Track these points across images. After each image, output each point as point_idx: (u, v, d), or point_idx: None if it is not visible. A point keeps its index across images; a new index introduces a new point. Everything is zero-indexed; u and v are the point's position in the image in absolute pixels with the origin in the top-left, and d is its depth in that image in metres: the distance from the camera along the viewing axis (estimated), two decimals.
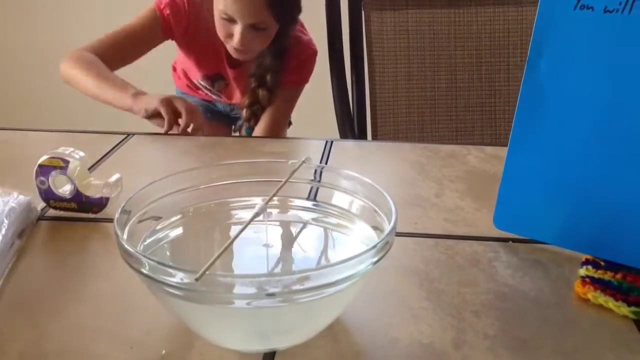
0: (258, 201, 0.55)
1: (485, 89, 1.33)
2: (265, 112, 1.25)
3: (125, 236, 0.49)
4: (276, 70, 1.22)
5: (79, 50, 1.16)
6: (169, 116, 1.01)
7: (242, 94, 1.30)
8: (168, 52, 1.44)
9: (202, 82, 1.34)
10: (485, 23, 1.32)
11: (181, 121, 1.02)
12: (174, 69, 1.45)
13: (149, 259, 0.43)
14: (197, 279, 0.40)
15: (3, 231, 0.62)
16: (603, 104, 0.59)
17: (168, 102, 1.03)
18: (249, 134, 1.26)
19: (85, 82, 1.12)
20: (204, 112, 1.43)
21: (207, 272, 0.40)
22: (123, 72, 1.17)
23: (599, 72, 0.58)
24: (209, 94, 1.37)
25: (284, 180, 0.55)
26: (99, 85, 1.10)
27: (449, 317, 0.53)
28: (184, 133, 1.02)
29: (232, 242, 0.44)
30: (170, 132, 1.02)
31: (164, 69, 1.48)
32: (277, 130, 1.28)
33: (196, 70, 1.32)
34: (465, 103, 1.33)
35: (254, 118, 1.24)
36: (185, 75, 1.39)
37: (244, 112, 1.25)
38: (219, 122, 1.46)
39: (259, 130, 1.25)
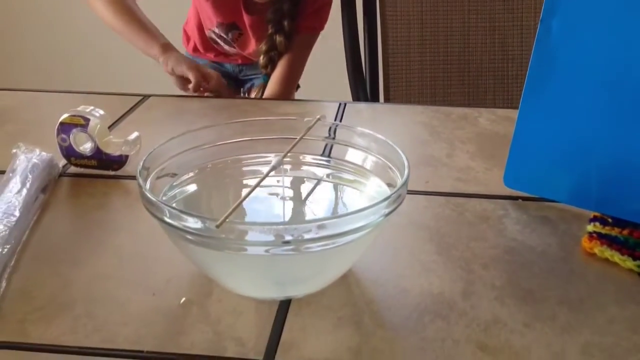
0: (273, 158, 0.57)
1: (498, 53, 1.33)
2: (282, 58, 1.25)
3: (148, 187, 0.51)
4: (293, 16, 1.22)
5: None
6: (197, 80, 1.11)
7: (257, 43, 1.31)
8: (179, 15, 1.44)
9: (216, 31, 1.34)
10: None
11: (206, 85, 1.12)
12: (185, 31, 1.45)
13: (172, 207, 0.45)
14: (217, 226, 0.42)
15: (27, 185, 0.64)
16: (614, 64, 0.59)
17: (198, 68, 1.12)
18: (266, 81, 1.26)
19: (112, 19, 1.14)
20: None
21: (227, 220, 0.42)
22: None
23: (611, 32, 0.59)
24: (223, 44, 1.37)
25: (298, 137, 0.56)
26: (127, 25, 1.14)
27: (458, 270, 0.55)
28: (201, 92, 1.09)
29: (251, 192, 0.46)
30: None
31: (174, 32, 1.49)
32: (294, 78, 1.29)
33: (213, 16, 1.31)
34: (478, 67, 1.33)
35: (271, 64, 1.25)
36: (199, 28, 1.38)
37: (261, 59, 1.25)
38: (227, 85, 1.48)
39: (275, 77, 1.25)
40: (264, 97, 1.25)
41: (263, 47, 1.25)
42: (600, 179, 0.62)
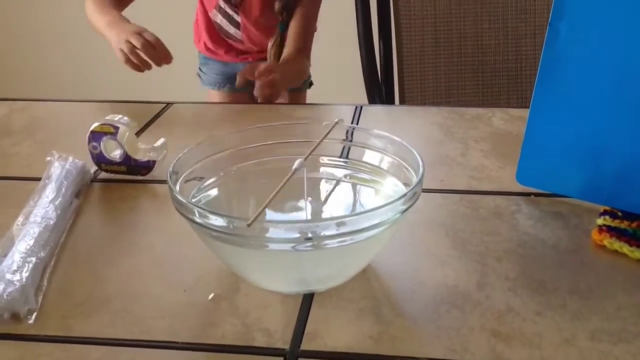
0: (296, 162, 0.60)
1: (512, 54, 1.35)
2: (296, 13, 1.28)
3: (178, 189, 0.54)
4: None
5: None
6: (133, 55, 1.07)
7: (261, 9, 1.32)
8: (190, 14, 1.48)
9: (221, 4, 1.34)
10: None
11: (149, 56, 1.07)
12: (195, 30, 1.48)
13: (202, 208, 0.48)
14: (248, 225, 0.45)
15: (63, 191, 0.68)
16: (621, 64, 0.62)
17: (136, 37, 1.07)
18: (283, 31, 1.28)
19: (92, 18, 1.17)
20: (223, 80, 1.47)
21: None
22: None
23: (618, 33, 0.61)
24: (229, 25, 1.37)
25: (318, 140, 0.59)
26: (95, 17, 1.16)
27: (473, 263, 0.58)
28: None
29: (277, 193, 0.49)
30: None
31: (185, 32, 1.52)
32: (311, 31, 1.31)
33: None
34: (492, 68, 1.35)
35: (287, 11, 1.27)
36: (207, 21, 1.40)
37: (276, 5, 1.28)
38: (242, 92, 1.46)
39: (292, 26, 1.27)
40: (283, 57, 1.25)
41: None
42: (610, 174, 0.64)
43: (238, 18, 1.36)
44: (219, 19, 1.39)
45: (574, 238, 0.61)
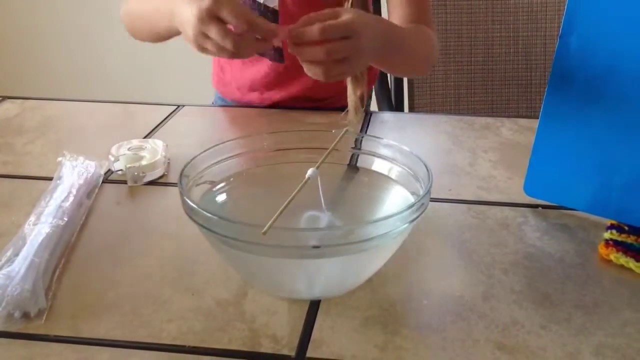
0: (303, 166, 0.60)
1: (522, 63, 1.35)
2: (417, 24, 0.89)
3: (188, 194, 0.55)
4: None
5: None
6: (217, 45, 0.68)
7: None
8: None
9: None
10: None
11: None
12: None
13: (212, 214, 0.49)
14: (264, 232, 0.45)
15: (74, 191, 0.69)
16: (631, 78, 0.62)
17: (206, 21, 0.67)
18: None
19: (141, 26, 0.90)
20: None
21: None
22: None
23: (627, 48, 0.62)
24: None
25: (328, 148, 0.60)
26: (148, 19, 0.85)
27: (479, 274, 0.58)
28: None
29: (290, 201, 0.49)
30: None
31: None
32: (417, 42, 0.88)
33: None
34: (502, 76, 1.36)
35: None
36: None
37: None
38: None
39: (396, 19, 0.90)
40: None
41: None
42: (617, 187, 0.64)
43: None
44: None
45: (580, 252, 0.61)
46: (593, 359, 0.48)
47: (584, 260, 0.60)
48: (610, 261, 0.59)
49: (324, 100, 1.04)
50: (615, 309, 0.53)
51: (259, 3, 0.91)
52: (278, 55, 0.97)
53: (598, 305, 0.54)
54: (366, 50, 0.69)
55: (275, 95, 1.03)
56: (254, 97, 1.04)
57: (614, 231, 0.63)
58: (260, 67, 1.01)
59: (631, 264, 0.58)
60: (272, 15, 0.91)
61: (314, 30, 0.65)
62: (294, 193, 0.50)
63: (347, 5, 0.81)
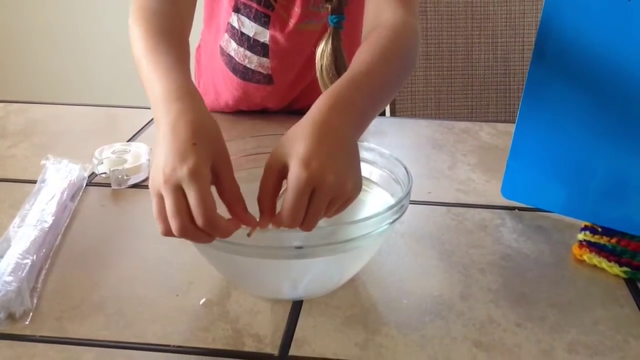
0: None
1: (501, 68, 1.38)
2: (373, 33, 0.71)
3: None
4: None
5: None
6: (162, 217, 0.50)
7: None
8: None
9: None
10: (502, 4, 1.36)
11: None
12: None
13: None
14: (248, 235, 0.47)
15: (58, 194, 0.69)
16: (604, 84, 0.64)
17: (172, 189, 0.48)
18: (338, 27, 0.76)
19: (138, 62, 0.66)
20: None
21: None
22: None
23: (602, 54, 0.64)
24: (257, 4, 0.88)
25: None
26: (141, 62, 0.64)
27: (457, 274, 0.60)
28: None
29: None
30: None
31: None
32: (384, 74, 0.68)
33: None
34: (481, 82, 1.38)
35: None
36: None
37: None
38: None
39: (355, 60, 0.71)
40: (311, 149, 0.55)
41: None
42: (591, 190, 0.66)
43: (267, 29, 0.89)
44: (232, 47, 0.93)
45: (555, 252, 0.63)
46: (566, 356, 0.50)
47: (558, 260, 0.62)
48: (583, 261, 0.61)
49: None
50: (588, 308, 0.55)
51: (249, 37, 0.89)
52: (267, 80, 0.96)
53: (572, 303, 0.56)
54: (340, 174, 0.49)
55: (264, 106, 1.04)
56: (243, 106, 1.05)
57: (587, 232, 0.64)
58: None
59: (604, 264, 0.60)
60: (261, 49, 0.91)
61: (287, 218, 0.48)
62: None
63: (319, 52, 0.75)
